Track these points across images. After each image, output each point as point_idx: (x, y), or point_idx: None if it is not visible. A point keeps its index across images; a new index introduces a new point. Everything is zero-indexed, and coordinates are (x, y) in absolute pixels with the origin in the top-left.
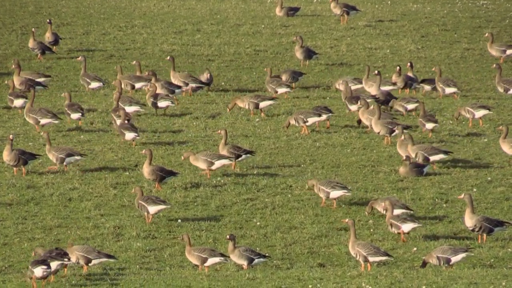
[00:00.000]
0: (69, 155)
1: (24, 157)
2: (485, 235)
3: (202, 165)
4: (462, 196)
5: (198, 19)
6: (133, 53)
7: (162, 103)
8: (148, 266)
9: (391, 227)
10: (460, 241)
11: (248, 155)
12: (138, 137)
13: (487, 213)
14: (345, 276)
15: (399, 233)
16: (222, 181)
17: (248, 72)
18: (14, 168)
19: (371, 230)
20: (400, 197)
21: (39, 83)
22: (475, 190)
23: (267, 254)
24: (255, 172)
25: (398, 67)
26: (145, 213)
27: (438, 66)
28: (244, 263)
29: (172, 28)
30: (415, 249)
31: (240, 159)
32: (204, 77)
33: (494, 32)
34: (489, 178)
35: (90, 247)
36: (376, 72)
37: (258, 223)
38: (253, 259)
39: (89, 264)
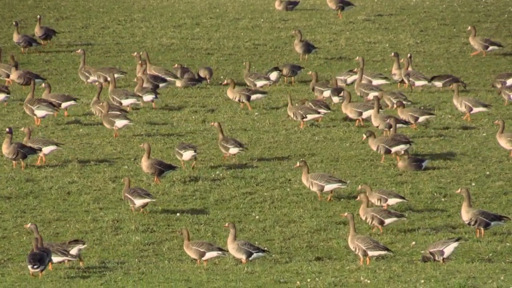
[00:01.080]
0: (45, 145)
1: (23, 151)
2: (482, 229)
3: (177, 156)
4: (459, 190)
5: (197, 13)
6: (132, 46)
7: (146, 97)
8: (147, 259)
9: (372, 220)
10: (459, 235)
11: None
12: (131, 123)
13: (486, 208)
14: (343, 270)
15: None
16: (221, 174)
17: (245, 66)
18: (13, 162)
19: (369, 224)
20: (399, 191)
21: (38, 76)
22: (473, 184)
23: (266, 249)
24: (254, 166)
25: (393, 53)
26: (132, 206)
27: (406, 57)
28: (243, 257)
29: (171, 22)
30: (413, 243)
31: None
32: (203, 73)
33: (493, 26)
34: (487, 173)
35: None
36: (355, 69)
37: (257, 217)
38: (251, 253)
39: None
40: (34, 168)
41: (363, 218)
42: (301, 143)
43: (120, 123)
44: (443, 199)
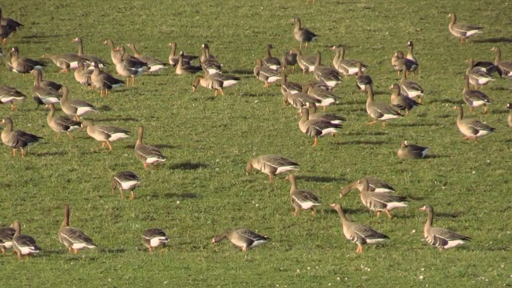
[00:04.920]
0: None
1: (23, 139)
2: (382, 210)
3: (98, 136)
4: (359, 181)
5: (197, 0)
6: (132, 34)
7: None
8: (147, 247)
9: (292, 202)
10: (459, 224)
11: (76, 126)
12: (95, 110)
13: (486, 196)
14: (343, 258)
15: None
16: (221, 162)
17: (247, 54)
18: (13, 149)
19: (370, 212)
20: (399, 179)
21: (37, 63)
22: (474, 172)
23: (266, 236)
24: (254, 154)
25: (397, 52)
26: (120, 189)
27: (297, 47)
28: (243, 245)
29: (171, 10)
30: (413, 231)
31: (68, 130)
32: (202, 59)
33: (494, 14)
34: (488, 161)
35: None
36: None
37: (256, 205)
38: (252, 241)
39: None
40: (34, 156)
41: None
42: (301, 131)
43: (81, 109)
44: (443, 187)
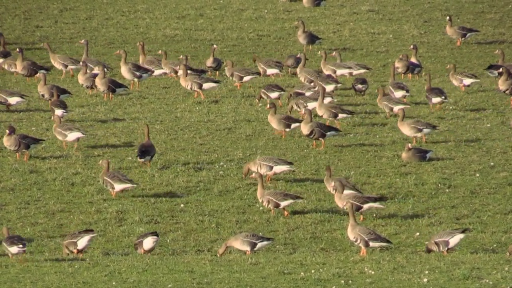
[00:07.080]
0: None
1: (25, 142)
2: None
3: (59, 137)
4: (333, 186)
5: (201, 4)
6: (136, 38)
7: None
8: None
9: (268, 203)
10: (462, 226)
11: None
12: (66, 114)
13: (490, 198)
14: (347, 261)
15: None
16: (225, 166)
17: (251, 57)
18: (17, 153)
19: (374, 214)
20: (403, 182)
21: (42, 67)
22: (477, 175)
23: (269, 237)
24: (258, 157)
25: (401, 55)
26: (110, 190)
27: (254, 54)
28: (248, 248)
29: (175, 13)
30: (418, 234)
31: None
32: (210, 61)
33: (497, 17)
34: (492, 163)
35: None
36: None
37: (260, 208)
38: (255, 244)
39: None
40: (38, 159)
41: (260, 201)
42: (302, 133)
43: (58, 112)
44: (447, 190)
